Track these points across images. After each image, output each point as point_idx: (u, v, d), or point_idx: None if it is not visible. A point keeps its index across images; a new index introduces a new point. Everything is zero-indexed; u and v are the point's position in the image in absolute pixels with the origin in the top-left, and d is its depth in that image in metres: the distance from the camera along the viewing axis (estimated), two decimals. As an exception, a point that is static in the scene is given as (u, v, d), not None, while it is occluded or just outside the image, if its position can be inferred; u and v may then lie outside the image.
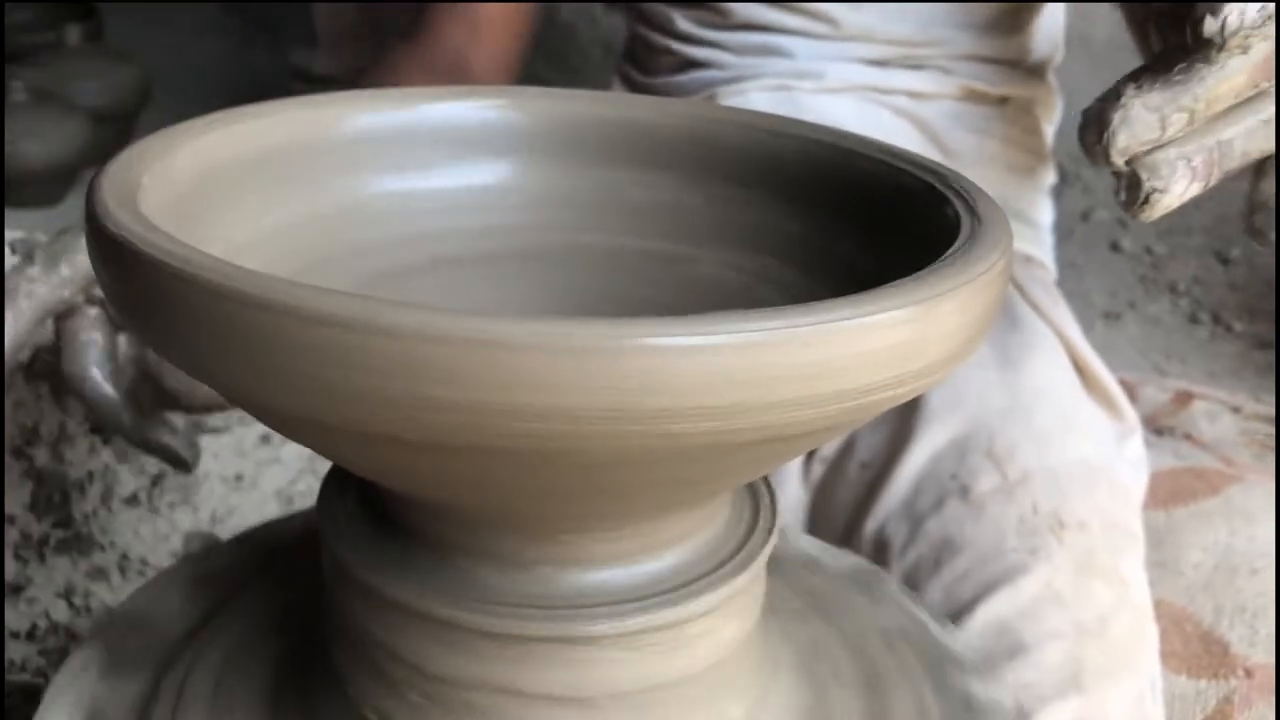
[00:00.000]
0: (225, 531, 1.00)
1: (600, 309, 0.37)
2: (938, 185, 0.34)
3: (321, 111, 0.36)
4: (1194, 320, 1.64)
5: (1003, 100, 0.99)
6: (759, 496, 0.37)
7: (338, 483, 0.36)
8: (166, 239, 0.27)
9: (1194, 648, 0.93)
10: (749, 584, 0.34)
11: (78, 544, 0.97)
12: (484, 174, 0.38)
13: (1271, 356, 1.45)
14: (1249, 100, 0.42)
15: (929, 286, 0.27)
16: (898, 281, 0.27)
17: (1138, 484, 0.88)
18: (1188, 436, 1.19)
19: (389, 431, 0.26)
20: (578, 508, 0.31)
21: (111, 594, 0.95)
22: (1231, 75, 0.40)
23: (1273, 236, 0.43)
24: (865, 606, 0.44)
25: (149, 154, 0.32)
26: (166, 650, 0.41)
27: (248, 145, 0.34)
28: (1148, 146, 0.40)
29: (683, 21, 0.99)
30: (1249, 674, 0.90)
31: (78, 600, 0.97)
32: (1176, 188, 0.42)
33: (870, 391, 0.27)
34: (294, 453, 1.09)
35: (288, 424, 0.30)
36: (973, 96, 0.99)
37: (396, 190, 0.37)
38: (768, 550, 0.35)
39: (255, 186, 0.35)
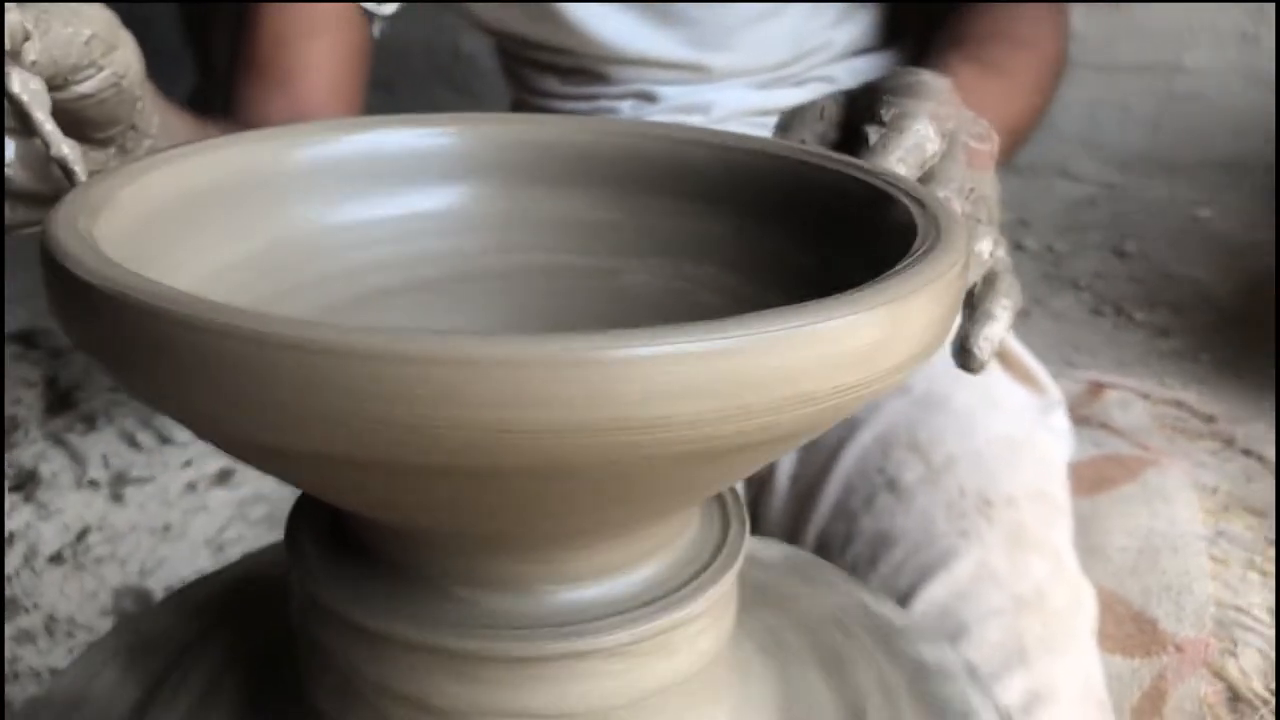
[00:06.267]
0: (156, 584, 0.97)
1: (556, 328, 0.37)
2: (880, 184, 0.35)
3: (267, 145, 0.36)
4: (1097, 313, 1.70)
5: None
6: (725, 497, 0.37)
7: (306, 522, 0.35)
8: (136, 277, 0.26)
9: (1126, 628, 0.96)
10: (732, 583, 0.35)
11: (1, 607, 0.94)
12: (425, 199, 0.38)
13: (1173, 344, 1.51)
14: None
15: (902, 286, 0.28)
16: (873, 282, 0.28)
17: (1063, 454, 0.90)
18: (1103, 425, 1.23)
19: (392, 459, 0.26)
20: (568, 523, 0.31)
21: (39, 657, 0.92)
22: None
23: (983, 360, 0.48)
24: (808, 592, 0.45)
25: (95, 195, 0.31)
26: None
27: (194, 182, 0.34)
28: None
29: (563, 87, 1.00)
30: (1179, 649, 0.93)
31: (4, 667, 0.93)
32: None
33: (845, 391, 0.27)
34: (221, 500, 1.07)
35: (267, 456, 0.29)
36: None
37: (338, 221, 0.37)
38: (746, 547, 0.35)
39: (204, 223, 0.34)
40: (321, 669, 0.35)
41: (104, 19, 0.46)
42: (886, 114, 0.51)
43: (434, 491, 0.29)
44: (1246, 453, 1.19)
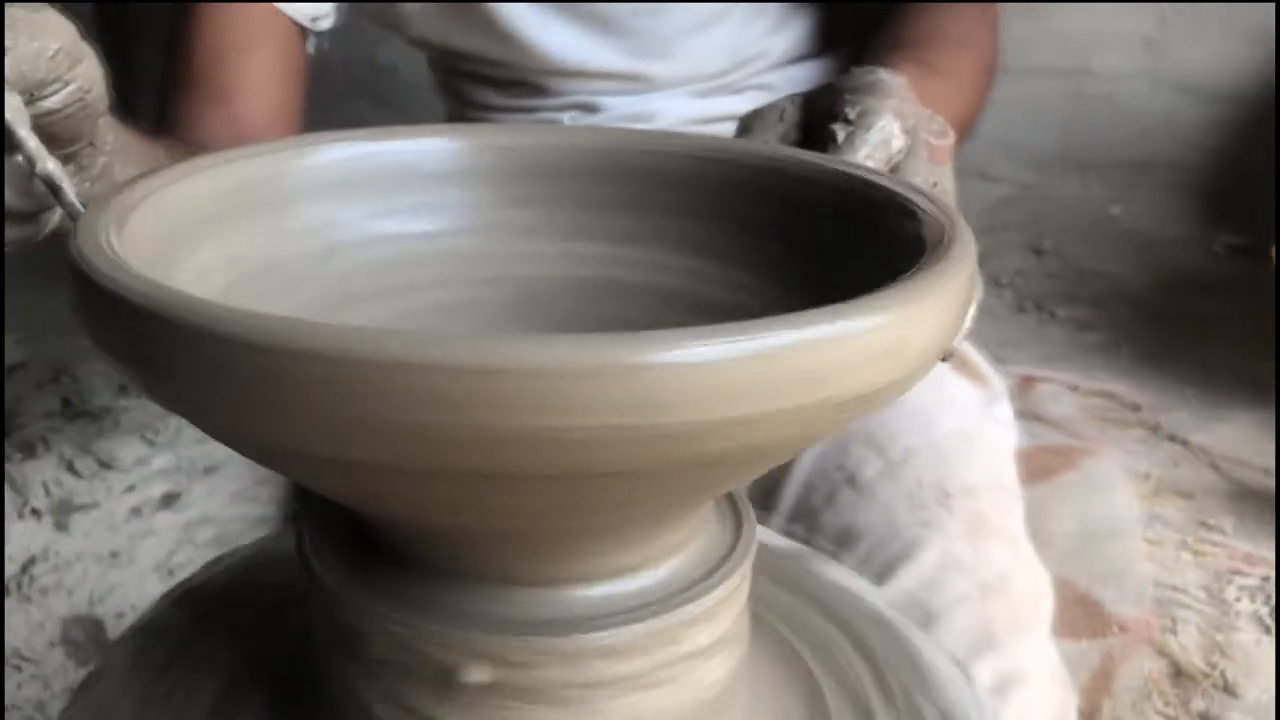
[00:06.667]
0: (106, 614, 0.95)
1: (574, 331, 0.38)
2: (879, 188, 0.36)
3: (276, 156, 0.36)
4: (1021, 310, 1.75)
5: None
6: (733, 493, 0.38)
7: (318, 523, 0.35)
8: (172, 291, 0.26)
9: (1073, 612, 0.99)
10: (747, 575, 0.36)
11: (-57, 644, 0.91)
12: (439, 216, 0.38)
13: (1095, 338, 1.56)
14: None
15: (931, 283, 0.29)
16: (902, 280, 0.28)
17: (1010, 444, 0.93)
18: (1037, 417, 1.28)
19: (441, 466, 0.26)
20: (599, 523, 0.32)
21: (-13, 693, 0.89)
22: None
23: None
24: (772, 588, 0.46)
25: (117, 207, 0.31)
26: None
27: (211, 193, 0.34)
28: None
29: (502, 99, 0.99)
30: (1124, 629, 0.97)
31: (-52, 704, 0.90)
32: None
33: (880, 391, 0.28)
34: (168, 523, 1.05)
35: (303, 464, 0.29)
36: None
37: (350, 234, 0.37)
38: (755, 545, 0.36)
39: (220, 235, 0.34)
40: (339, 675, 0.35)
41: (68, 31, 0.45)
42: (851, 112, 0.53)
43: (473, 494, 0.30)
44: (1172, 439, 1.25)
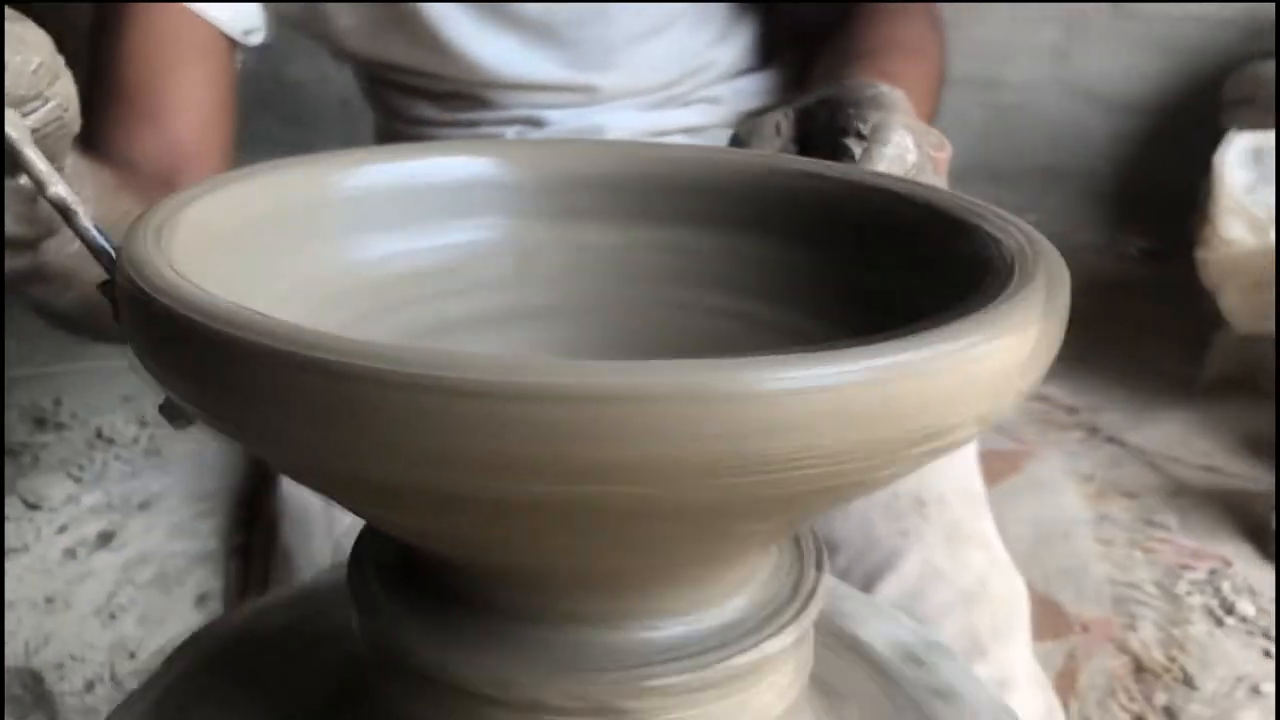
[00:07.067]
0: (44, 664, 0.89)
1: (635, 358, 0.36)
2: (959, 212, 0.35)
3: (312, 171, 0.34)
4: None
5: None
6: (800, 532, 0.37)
7: (381, 575, 0.33)
8: (247, 313, 0.24)
9: (1035, 613, 1.00)
10: (814, 616, 0.34)
11: None
12: (479, 231, 0.36)
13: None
14: None
15: (1031, 307, 0.28)
16: (998, 303, 0.27)
17: (973, 450, 0.93)
18: (979, 422, 1.30)
19: (527, 498, 0.25)
20: (680, 557, 0.30)
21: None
22: None
23: None
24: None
25: (158, 222, 0.29)
26: None
27: (251, 209, 0.32)
28: None
29: (440, 113, 0.97)
30: (1085, 629, 0.99)
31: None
32: None
33: (976, 422, 0.27)
34: (106, 563, 1.00)
35: (380, 497, 0.27)
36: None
37: (390, 250, 0.35)
38: (827, 580, 0.35)
39: (262, 251, 0.32)
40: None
41: (47, 46, 0.42)
42: (864, 126, 0.53)
43: (571, 528, 0.28)
44: (1110, 440, 1.28)
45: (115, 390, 1.36)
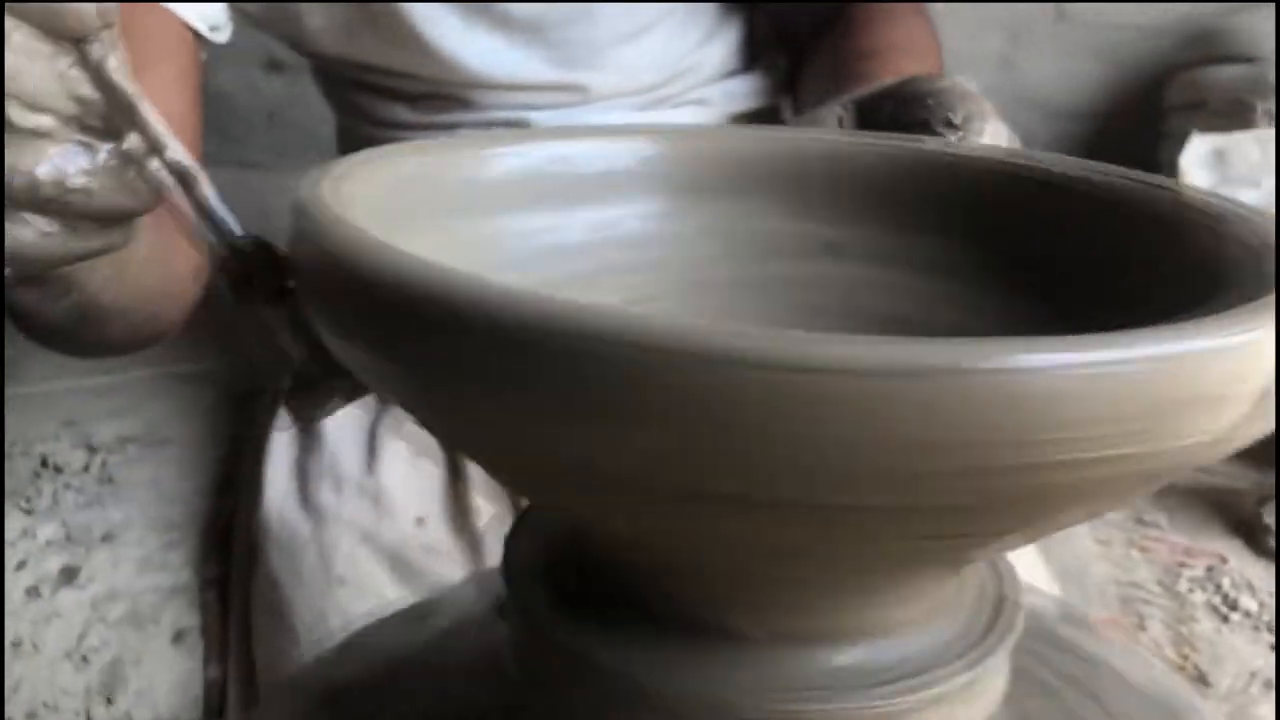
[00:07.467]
0: (15, 713, 0.82)
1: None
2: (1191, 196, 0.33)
3: (461, 152, 0.31)
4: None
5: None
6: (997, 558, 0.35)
7: (552, 589, 0.29)
8: (530, 295, 0.21)
9: (1046, 616, 1.00)
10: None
11: None
12: (631, 212, 0.33)
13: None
14: None
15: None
16: (1250, 304, 0.26)
17: None
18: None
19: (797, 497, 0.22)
20: (920, 563, 0.28)
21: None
22: None
23: None
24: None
25: (341, 190, 0.25)
26: None
27: (404, 184, 0.28)
28: None
29: (416, 115, 0.93)
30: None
31: None
32: None
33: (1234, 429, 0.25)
34: (72, 602, 0.93)
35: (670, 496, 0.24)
36: (735, 120, 1.01)
37: (536, 227, 0.32)
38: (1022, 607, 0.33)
39: (414, 229, 0.28)
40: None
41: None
42: (954, 116, 0.51)
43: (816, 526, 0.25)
44: (1090, 440, 1.28)
45: (56, 415, 1.28)
